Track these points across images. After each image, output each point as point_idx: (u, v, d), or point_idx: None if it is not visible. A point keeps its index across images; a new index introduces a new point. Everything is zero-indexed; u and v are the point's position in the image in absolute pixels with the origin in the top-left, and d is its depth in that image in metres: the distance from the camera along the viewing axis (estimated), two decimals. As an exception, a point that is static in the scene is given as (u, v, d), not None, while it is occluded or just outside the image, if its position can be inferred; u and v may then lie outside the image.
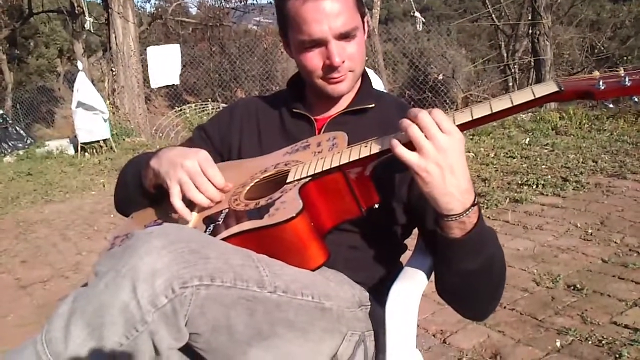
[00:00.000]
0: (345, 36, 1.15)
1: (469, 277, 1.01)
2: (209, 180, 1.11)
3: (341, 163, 1.04)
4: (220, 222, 1.07)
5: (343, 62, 1.16)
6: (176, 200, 1.09)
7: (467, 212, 0.94)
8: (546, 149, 5.36)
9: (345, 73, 1.19)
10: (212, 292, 0.86)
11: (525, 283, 2.64)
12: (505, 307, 2.41)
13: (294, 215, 0.97)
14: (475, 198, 0.96)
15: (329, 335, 1.01)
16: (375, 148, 1.03)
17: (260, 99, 1.42)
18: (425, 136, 0.91)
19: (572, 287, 2.54)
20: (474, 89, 11.73)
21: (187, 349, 0.92)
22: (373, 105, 1.27)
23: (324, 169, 1.05)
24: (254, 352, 0.92)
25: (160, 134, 10.68)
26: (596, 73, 0.94)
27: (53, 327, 0.83)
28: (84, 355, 0.81)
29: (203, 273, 0.85)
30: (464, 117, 0.98)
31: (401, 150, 0.92)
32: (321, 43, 1.14)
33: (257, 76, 13.31)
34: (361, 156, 1.03)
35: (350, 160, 1.04)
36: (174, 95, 13.53)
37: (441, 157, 0.90)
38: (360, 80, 1.30)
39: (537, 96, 0.94)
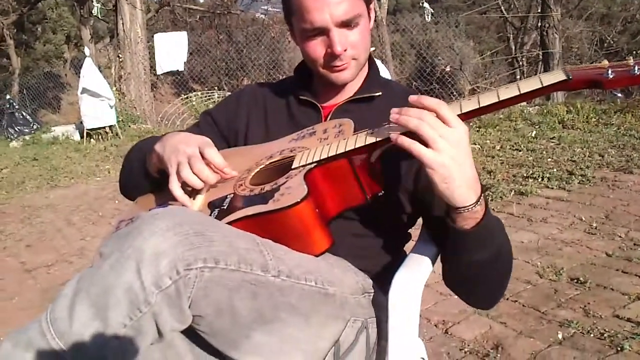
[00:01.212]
0: (347, 24, 1.14)
1: (480, 268, 1.02)
2: (209, 161, 1.10)
3: (347, 150, 1.04)
4: (225, 207, 1.07)
5: (345, 50, 1.15)
6: (174, 187, 1.09)
7: (479, 201, 0.94)
8: (552, 142, 5.34)
9: (349, 61, 1.19)
10: (216, 275, 0.86)
11: (528, 275, 2.63)
12: (507, 299, 2.41)
13: (299, 200, 0.97)
14: (482, 186, 0.96)
15: (331, 320, 1.01)
16: (381, 135, 1.02)
17: (267, 85, 1.42)
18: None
19: (575, 280, 2.54)
20: (481, 82, 11.67)
21: (190, 332, 0.93)
22: (380, 93, 1.26)
23: (329, 155, 1.05)
24: (257, 335, 0.93)
25: (166, 122, 10.70)
26: (605, 62, 0.93)
27: (58, 306, 0.84)
28: (88, 335, 0.81)
29: (207, 255, 0.85)
30: (472, 104, 0.98)
31: (419, 149, 0.91)
32: (323, 31, 1.14)
33: (264, 65, 13.27)
34: (367, 143, 1.03)
35: (356, 147, 1.03)
36: (181, 82, 13.52)
37: (455, 151, 0.91)
38: (367, 68, 1.30)
39: (544, 84, 0.94)
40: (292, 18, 1.20)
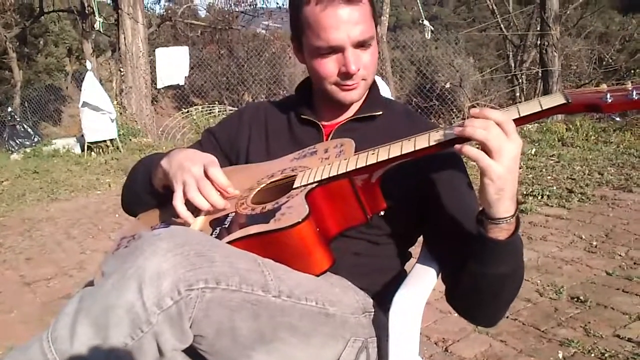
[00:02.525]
0: (361, 45, 1.16)
1: (500, 281, 1.03)
2: (213, 182, 1.11)
3: (348, 170, 1.05)
4: (226, 226, 1.08)
5: (358, 70, 1.17)
6: (178, 203, 1.09)
7: (516, 213, 0.97)
8: (552, 160, 5.36)
9: (359, 81, 1.20)
10: (217, 295, 0.86)
11: (528, 293, 2.63)
12: (508, 317, 2.40)
13: (300, 220, 0.97)
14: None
15: (332, 340, 1.02)
16: (382, 155, 1.03)
17: (269, 103, 1.43)
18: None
19: (575, 299, 2.53)
20: (481, 98, 11.70)
21: (191, 351, 0.93)
22: (381, 112, 1.27)
23: (330, 175, 1.06)
24: (257, 355, 0.93)
25: (167, 135, 10.71)
26: (604, 86, 0.94)
27: (59, 325, 0.84)
28: (89, 354, 0.81)
29: (209, 276, 0.86)
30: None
31: (485, 159, 0.92)
32: (338, 50, 1.15)
33: (264, 80, 13.34)
34: (368, 163, 1.04)
35: (357, 167, 1.04)
36: (181, 97, 13.56)
37: (513, 164, 0.93)
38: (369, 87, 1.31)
39: (544, 108, 0.95)
40: (302, 35, 1.20)
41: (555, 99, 0.95)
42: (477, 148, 0.95)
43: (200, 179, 1.10)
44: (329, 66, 1.18)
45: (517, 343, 2.21)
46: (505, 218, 0.96)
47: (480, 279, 1.04)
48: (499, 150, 0.91)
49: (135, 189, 1.31)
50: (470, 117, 0.96)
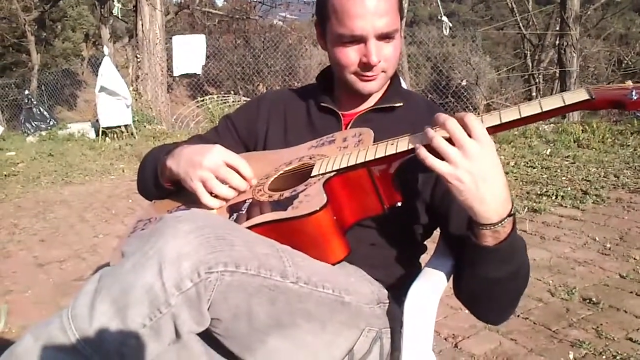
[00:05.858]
0: (385, 37, 1.15)
1: (493, 285, 1.01)
2: (236, 170, 1.12)
3: (366, 159, 1.04)
4: (243, 212, 1.08)
5: (379, 61, 1.16)
6: (206, 199, 1.11)
7: (503, 223, 0.93)
8: (567, 160, 5.31)
9: (379, 73, 1.19)
10: (236, 279, 0.87)
11: (540, 293, 2.62)
12: (518, 316, 2.39)
13: (318, 208, 0.97)
14: (512, 208, 0.95)
15: (346, 329, 1.02)
16: (401, 146, 1.03)
17: (289, 91, 1.42)
18: (454, 144, 0.91)
19: (587, 300, 2.52)
20: (496, 97, 11.65)
21: (205, 335, 0.94)
22: (401, 104, 1.27)
23: (349, 164, 1.06)
24: (272, 340, 0.93)
25: (180, 124, 10.75)
26: (629, 83, 0.92)
27: (79, 303, 0.85)
28: (108, 333, 0.82)
29: (228, 259, 0.86)
30: (493, 120, 0.98)
31: (431, 161, 0.92)
32: (360, 40, 1.15)
33: (279, 71, 13.36)
34: (387, 154, 1.03)
35: (376, 157, 1.04)
36: (196, 85, 13.60)
37: (471, 164, 0.90)
38: (389, 78, 1.30)
39: (567, 103, 0.93)
40: (326, 21, 1.20)
41: (578, 95, 0.93)
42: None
43: (218, 168, 1.10)
44: (350, 55, 1.17)
45: (527, 342, 2.20)
46: (485, 225, 0.93)
47: (471, 280, 1.05)
48: (446, 151, 0.90)
49: (145, 183, 1.32)
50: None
